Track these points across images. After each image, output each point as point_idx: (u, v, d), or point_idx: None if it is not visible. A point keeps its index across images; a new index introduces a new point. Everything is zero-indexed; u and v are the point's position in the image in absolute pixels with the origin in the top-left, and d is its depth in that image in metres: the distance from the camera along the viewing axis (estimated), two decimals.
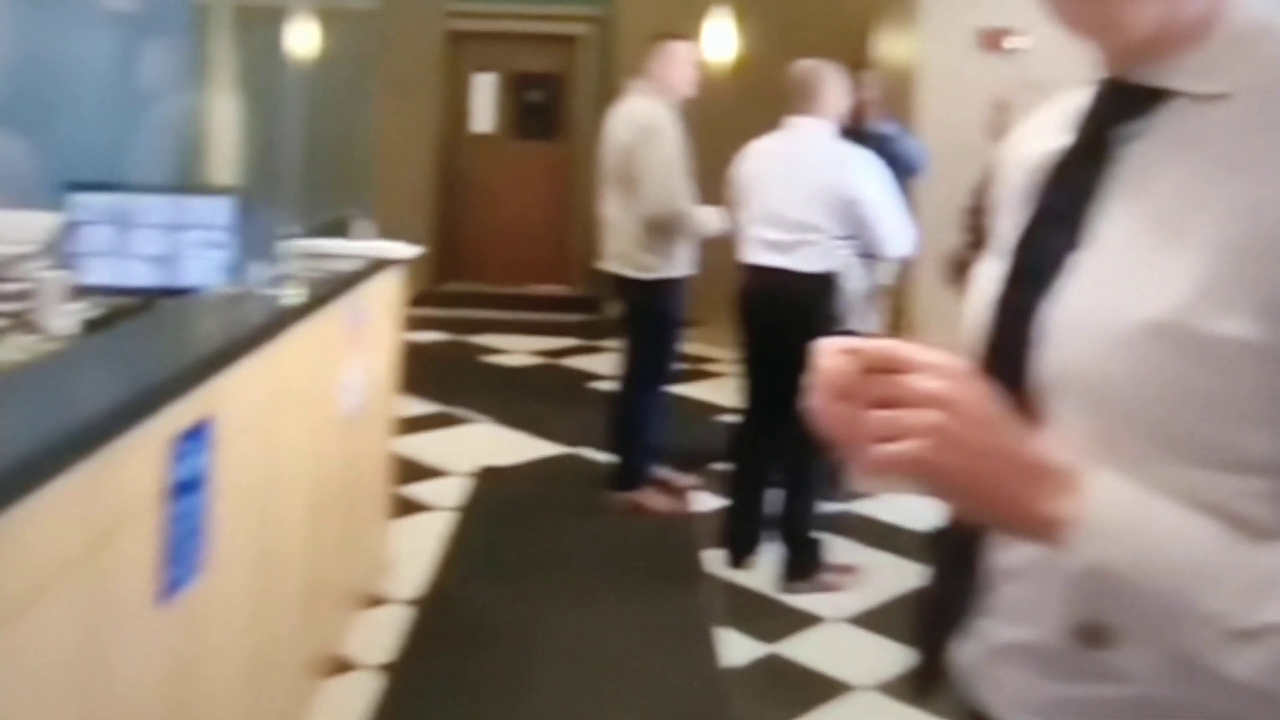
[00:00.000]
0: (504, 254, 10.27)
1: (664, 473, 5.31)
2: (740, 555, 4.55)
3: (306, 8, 7.27)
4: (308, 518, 3.12)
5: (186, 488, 2.12)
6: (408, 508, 4.89)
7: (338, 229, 4.06)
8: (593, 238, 5.44)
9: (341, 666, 3.57)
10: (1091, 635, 0.93)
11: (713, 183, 4.80)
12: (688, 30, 5.88)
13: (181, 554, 2.10)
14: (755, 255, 4.39)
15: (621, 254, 5.02)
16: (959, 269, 4.36)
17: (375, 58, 9.12)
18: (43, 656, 1.62)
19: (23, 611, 1.55)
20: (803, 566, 4.38)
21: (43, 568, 1.61)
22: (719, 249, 4.85)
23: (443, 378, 7.03)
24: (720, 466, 5.01)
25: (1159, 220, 0.92)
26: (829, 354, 0.93)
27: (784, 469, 4.43)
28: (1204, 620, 0.85)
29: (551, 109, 10.38)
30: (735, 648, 3.90)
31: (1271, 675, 0.83)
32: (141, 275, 3.06)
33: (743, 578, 4.47)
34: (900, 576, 4.24)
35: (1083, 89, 1.06)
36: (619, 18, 9.33)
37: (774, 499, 4.47)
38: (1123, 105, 0.99)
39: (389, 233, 4.25)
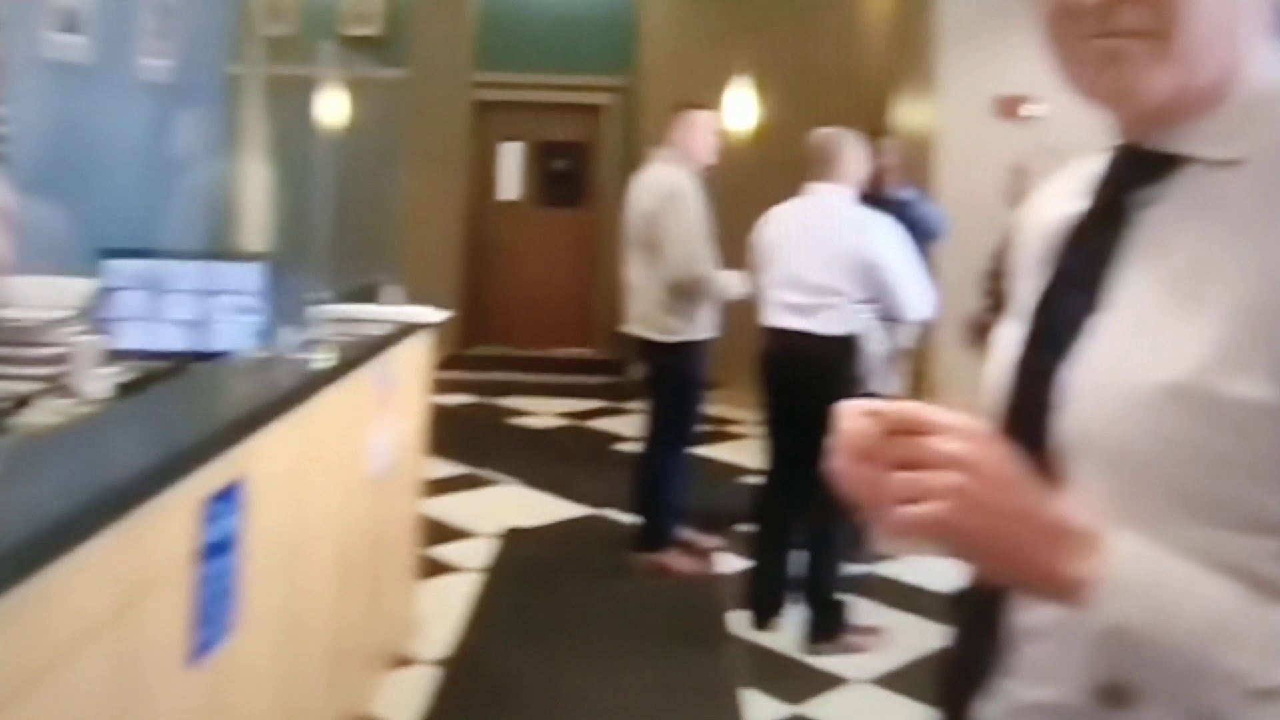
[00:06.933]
0: (530, 318, 10.34)
1: (688, 534, 5.30)
2: (764, 617, 4.54)
3: (337, 78, 7.38)
4: (336, 578, 3.14)
5: (217, 549, 2.14)
6: (435, 569, 4.90)
7: (367, 294, 4.10)
8: (617, 302, 5.48)
9: None
10: (1113, 695, 0.92)
11: (734, 248, 4.84)
12: (709, 100, 5.96)
13: (212, 614, 2.12)
14: (777, 318, 4.42)
15: (645, 317, 5.05)
16: (979, 332, 4.37)
17: (404, 127, 9.24)
18: (75, 716, 1.64)
19: (55, 671, 1.57)
20: (827, 628, 4.36)
21: (75, 628, 1.63)
22: (741, 312, 4.88)
23: (470, 440, 7.06)
24: (744, 528, 5.01)
25: (1176, 284, 0.93)
26: (851, 416, 0.93)
27: (807, 530, 4.42)
28: (1225, 680, 0.85)
29: (576, 177, 10.50)
30: (760, 709, 3.88)
31: None
32: (174, 340, 3.10)
33: (767, 639, 4.46)
34: (924, 638, 4.22)
35: (1099, 155, 1.07)
36: (642, 88, 9.44)
37: (798, 560, 4.47)
38: (1139, 171, 1.00)
39: (417, 298, 4.29)
